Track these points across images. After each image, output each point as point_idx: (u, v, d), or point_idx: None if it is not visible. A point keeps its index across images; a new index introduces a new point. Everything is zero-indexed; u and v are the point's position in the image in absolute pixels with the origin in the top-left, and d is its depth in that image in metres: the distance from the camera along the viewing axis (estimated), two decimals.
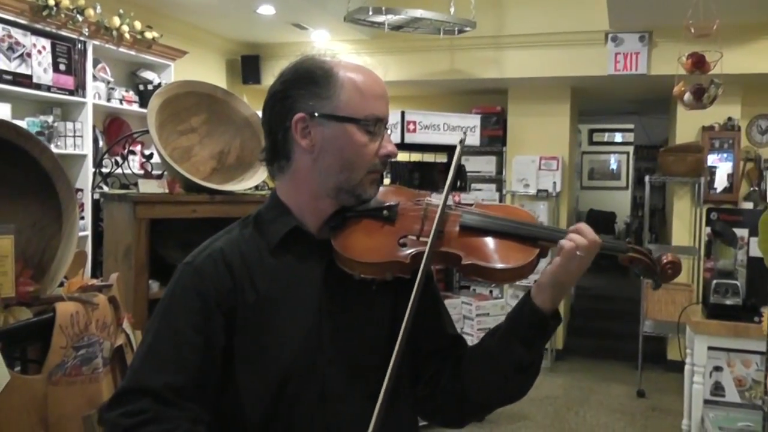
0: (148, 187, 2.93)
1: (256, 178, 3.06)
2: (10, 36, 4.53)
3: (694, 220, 6.84)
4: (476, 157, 7.60)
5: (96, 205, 3.24)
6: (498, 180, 7.68)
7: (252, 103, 3.22)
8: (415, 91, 8.07)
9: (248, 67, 7.76)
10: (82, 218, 4.56)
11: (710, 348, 4.44)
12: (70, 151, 4.96)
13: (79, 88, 5.05)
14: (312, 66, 1.40)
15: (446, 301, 5.93)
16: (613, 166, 13.39)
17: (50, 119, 4.93)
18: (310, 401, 1.35)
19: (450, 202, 1.43)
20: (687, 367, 4.96)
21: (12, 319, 1.87)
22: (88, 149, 5.11)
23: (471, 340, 5.37)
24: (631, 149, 12.56)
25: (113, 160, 3.30)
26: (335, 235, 1.39)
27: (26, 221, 2.09)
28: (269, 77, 7.86)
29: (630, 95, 8.64)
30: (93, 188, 3.32)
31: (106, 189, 3.18)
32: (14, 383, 1.73)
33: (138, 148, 4.90)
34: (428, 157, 6.50)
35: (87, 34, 5.04)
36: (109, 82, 5.48)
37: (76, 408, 1.83)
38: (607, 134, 13.33)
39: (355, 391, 1.37)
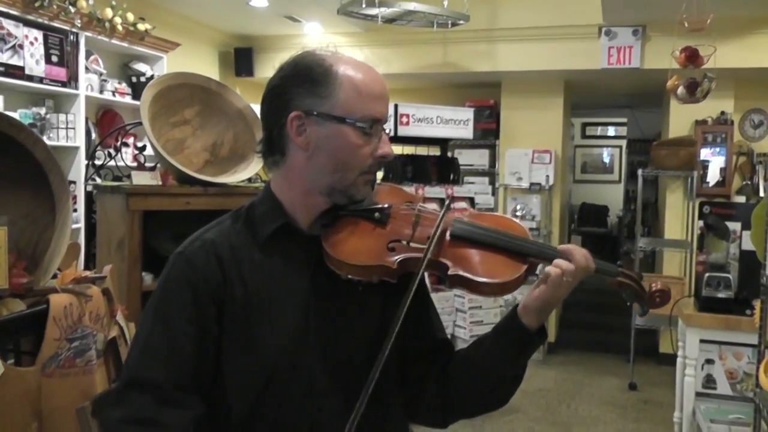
0: (141, 179, 2.92)
1: (250, 170, 3.06)
2: (1, 27, 4.51)
3: (687, 213, 6.87)
4: (469, 150, 7.60)
5: (89, 197, 3.23)
6: (491, 173, 7.69)
7: (245, 96, 3.21)
8: (409, 84, 8.06)
9: (241, 59, 7.74)
10: (75, 210, 4.54)
11: (702, 341, 4.46)
12: (62, 143, 4.94)
13: (72, 79, 5.04)
14: (311, 62, 1.38)
15: (439, 294, 5.92)
16: (606, 159, 13.41)
17: (42, 111, 4.91)
18: (296, 397, 1.35)
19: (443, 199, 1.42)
20: (679, 360, 4.97)
21: (5, 310, 1.87)
22: (80, 141, 5.09)
23: (464, 333, 5.35)
24: (624, 143, 12.58)
25: (106, 152, 3.28)
26: (326, 234, 1.39)
27: (19, 212, 2.08)
28: (262, 70, 7.89)
29: (623, 89, 8.65)
30: (86, 180, 3.31)
31: (98, 181, 3.17)
32: (8, 375, 1.72)
33: (131, 140, 4.89)
34: (421, 150, 6.50)
35: (79, 25, 5.01)
36: (101, 74, 5.46)
37: (69, 400, 1.83)
38: (600, 128, 13.34)
39: (341, 388, 1.37)
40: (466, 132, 6.10)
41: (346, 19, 6.22)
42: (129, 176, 2.98)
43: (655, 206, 9.35)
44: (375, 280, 1.37)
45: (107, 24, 5.21)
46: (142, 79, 5.72)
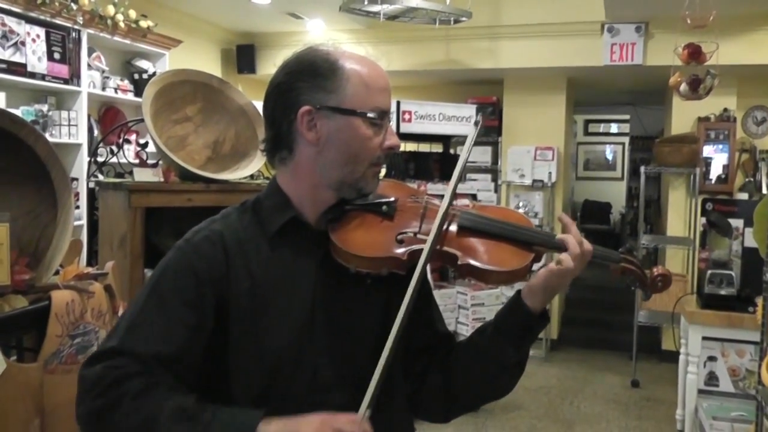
0: (143, 175, 2.93)
1: (251, 167, 3.06)
2: (4, 24, 4.51)
3: (689, 210, 6.86)
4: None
5: (91, 194, 3.23)
6: (493, 170, 7.68)
7: (247, 93, 3.22)
8: (411, 81, 8.06)
9: (243, 56, 7.74)
10: (78, 207, 4.55)
11: (704, 338, 4.45)
12: (64, 140, 4.94)
13: (74, 76, 5.04)
14: (317, 58, 1.39)
15: (441, 291, 5.93)
16: (609, 156, 13.40)
17: (45, 108, 4.91)
18: (301, 390, 1.35)
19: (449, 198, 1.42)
20: (681, 357, 4.97)
21: (7, 307, 1.87)
22: (82, 138, 5.09)
23: (466, 330, 5.36)
24: (626, 140, 12.58)
25: (108, 149, 3.29)
26: (333, 228, 1.39)
27: (21, 209, 2.09)
28: (264, 67, 7.89)
29: (626, 86, 8.64)
30: (88, 177, 3.31)
31: (101, 178, 3.18)
32: (10, 371, 1.73)
33: (133, 137, 4.89)
34: (424, 147, 6.49)
35: (81, 22, 5.02)
36: (103, 71, 5.46)
37: (71, 396, 1.81)
38: (602, 125, 13.33)
39: (345, 382, 1.37)
40: (468, 129, 6.10)
41: (349, 15, 6.22)
42: (131, 173, 2.98)
43: (657, 203, 9.34)
44: (384, 273, 1.38)
45: (109, 21, 5.21)
46: (145, 76, 5.72)
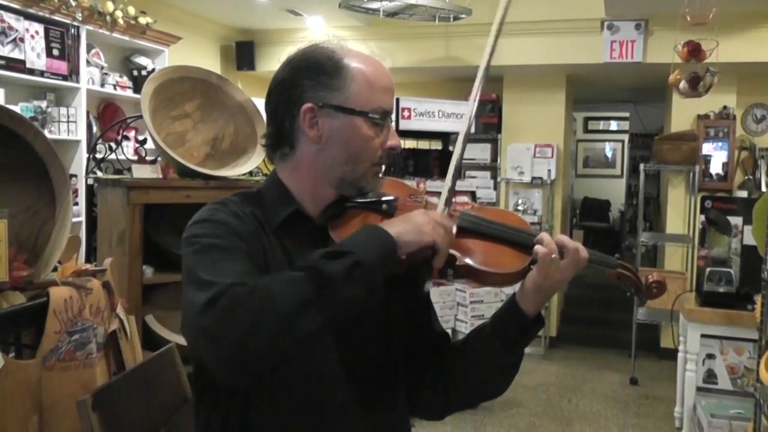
0: (141, 172, 2.92)
1: (250, 163, 3.06)
2: (2, 20, 4.50)
3: (689, 208, 6.85)
4: (471, 144, 7.53)
5: (90, 191, 3.23)
6: (493, 167, 7.68)
7: (246, 89, 3.21)
8: (411, 78, 8.05)
9: (242, 53, 7.73)
10: (76, 204, 4.54)
11: (703, 336, 4.46)
12: (63, 136, 4.94)
13: (73, 73, 5.03)
14: (322, 55, 1.39)
15: (440, 288, 5.93)
16: (608, 154, 13.39)
17: (44, 105, 4.90)
18: (307, 386, 1.35)
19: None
20: (680, 355, 4.98)
21: (5, 303, 1.87)
22: (81, 135, 5.09)
23: (465, 327, 5.37)
24: (626, 137, 12.57)
25: (107, 146, 3.29)
26: (333, 225, 1.39)
27: (20, 205, 2.08)
28: (263, 64, 7.88)
29: (625, 83, 8.63)
30: (87, 174, 3.31)
31: (99, 174, 3.17)
32: (8, 368, 1.73)
33: (132, 133, 4.89)
34: (423, 144, 6.50)
35: (80, 19, 5.01)
36: (102, 68, 5.45)
37: (70, 393, 1.83)
38: (602, 122, 13.32)
39: (350, 378, 1.37)
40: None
41: (348, 12, 6.22)
42: (130, 169, 2.98)
43: (657, 201, 9.35)
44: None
45: (108, 17, 5.21)
46: (143, 72, 5.71)
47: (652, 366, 6.81)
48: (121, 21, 5.33)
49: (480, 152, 7.66)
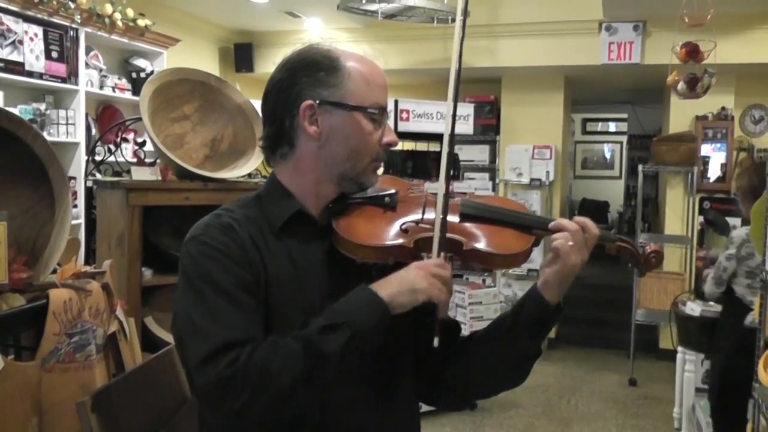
0: (140, 174, 2.92)
1: (249, 165, 3.06)
2: (1, 23, 4.51)
3: (687, 209, 6.86)
4: (469, 146, 7.60)
5: (89, 193, 3.22)
6: (491, 169, 7.69)
7: (244, 91, 3.22)
8: (409, 80, 8.05)
9: (241, 55, 7.73)
10: (75, 206, 4.55)
11: None
12: (62, 138, 4.94)
13: (72, 75, 5.04)
14: (318, 54, 1.41)
15: None
16: (607, 155, 13.41)
17: (42, 107, 4.91)
18: None
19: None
20: (679, 356, 4.99)
21: (5, 305, 1.87)
22: (80, 137, 5.09)
23: (464, 329, 5.38)
24: (624, 138, 12.59)
25: (106, 148, 3.29)
26: (337, 220, 1.42)
27: (19, 207, 2.08)
28: (262, 65, 7.88)
29: (624, 84, 8.64)
30: (86, 176, 3.31)
31: (98, 176, 3.17)
32: (8, 370, 1.73)
33: (131, 135, 4.89)
34: (421, 146, 6.49)
35: (79, 21, 5.02)
36: (101, 70, 5.46)
37: (69, 395, 1.83)
38: (600, 123, 13.35)
39: (355, 374, 1.37)
40: (467, 127, 6.11)
41: (347, 14, 6.22)
42: (129, 171, 2.98)
43: (655, 202, 9.35)
44: (391, 262, 1.40)
45: (107, 20, 5.21)
46: (142, 74, 5.72)
47: (650, 367, 6.82)
48: (119, 23, 5.34)
49: (478, 154, 7.67)
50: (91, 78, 5.30)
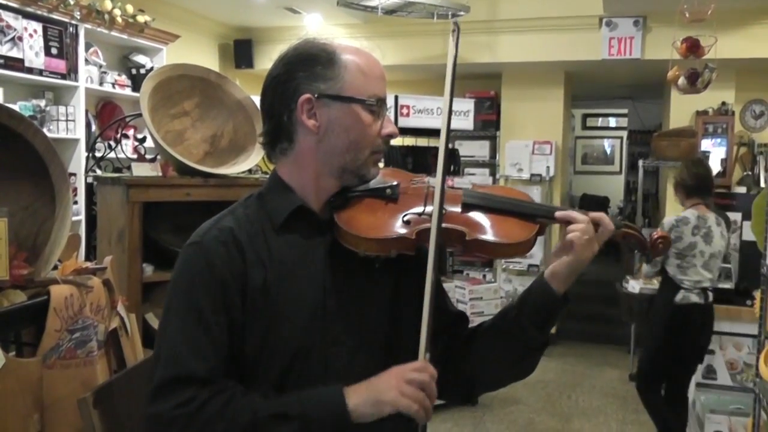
0: (141, 170, 2.92)
1: (249, 161, 3.05)
2: (1, 19, 4.50)
3: None
4: (470, 141, 7.60)
5: (89, 189, 3.22)
6: (491, 164, 7.69)
7: (244, 87, 3.21)
8: (409, 76, 8.05)
9: (241, 51, 7.73)
10: (76, 203, 4.54)
11: None
12: (62, 135, 4.94)
13: (72, 72, 5.03)
14: (314, 48, 1.42)
15: None
16: (607, 150, 13.40)
17: (42, 103, 4.90)
18: (315, 377, 1.36)
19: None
20: None
21: (6, 302, 1.87)
22: (80, 133, 5.09)
23: None
24: (624, 134, 12.57)
25: (106, 144, 3.28)
26: (339, 213, 1.41)
27: (19, 204, 2.08)
28: (262, 61, 7.87)
29: (624, 80, 8.64)
30: (86, 172, 3.30)
31: (99, 173, 3.17)
32: (9, 366, 1.73)
33: (131, 131, 4.89)
34: (422, 142, 6.49)
35: (79, 17, 5.01)
36: (101, 66, 5.45)
37: (71, 391, 1.83)
38: (600, 119, 13.33)
39: (357, 368, 1.38)
40: (467, 123, 6.11)
41: (346, 10, 6.21)
42: (129, 168, 2.98)
43: (655, 197, 9.35)
44: (393, 255, 1.40)
45: (107, 16, 5.21)
46: (142, 71, 5.71)
47: None
48: (119, 19, 5.33)
49: (479, 149, 7.67)
50: (91, 74, 5.30)
